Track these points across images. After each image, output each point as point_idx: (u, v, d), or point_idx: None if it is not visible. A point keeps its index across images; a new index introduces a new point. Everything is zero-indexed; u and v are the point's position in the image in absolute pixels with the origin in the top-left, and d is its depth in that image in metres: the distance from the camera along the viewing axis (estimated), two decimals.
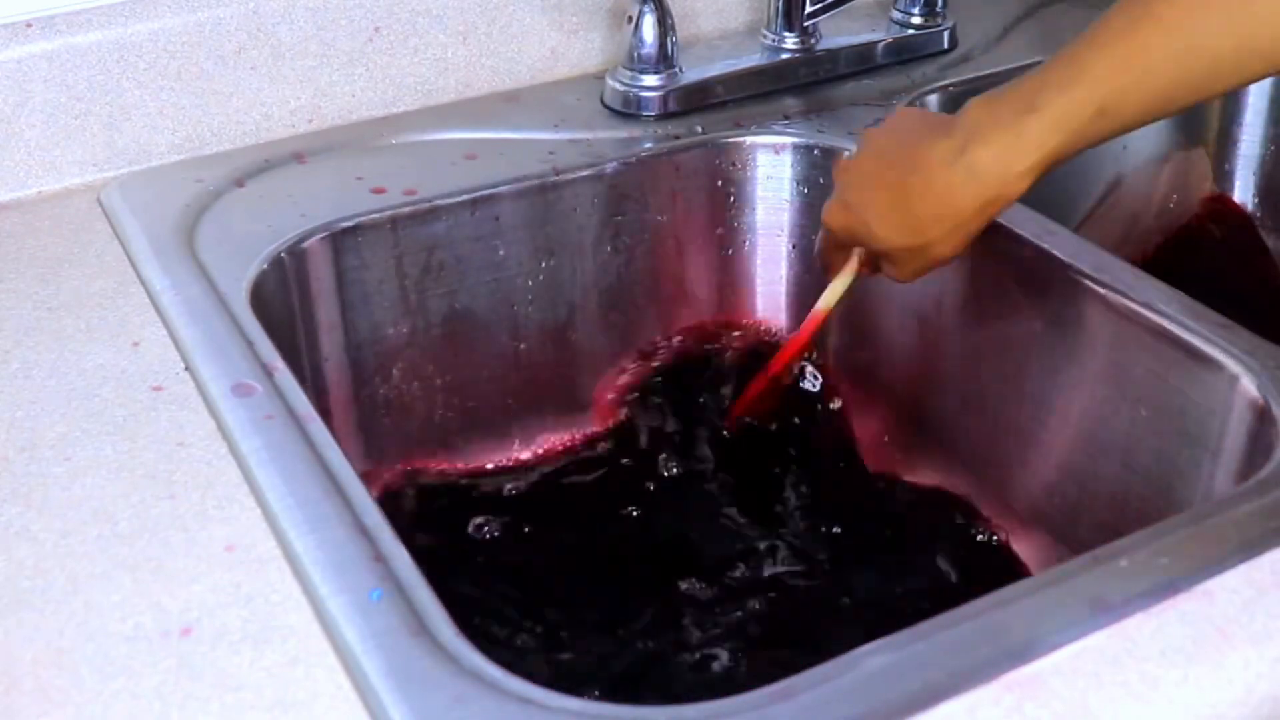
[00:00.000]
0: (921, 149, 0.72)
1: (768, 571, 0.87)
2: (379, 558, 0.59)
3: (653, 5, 0.97)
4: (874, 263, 0.80)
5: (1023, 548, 0.88)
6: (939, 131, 0.72)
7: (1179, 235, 1.17)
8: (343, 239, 0.86)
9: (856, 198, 0.77)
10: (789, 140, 0.97)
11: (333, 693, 0.54)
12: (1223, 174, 1.20)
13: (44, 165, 0.90)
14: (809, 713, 0.52)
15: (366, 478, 0.66)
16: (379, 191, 0.88)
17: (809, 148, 0.96)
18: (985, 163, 0.69)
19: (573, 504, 0.93)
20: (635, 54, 0.98)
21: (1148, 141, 1.15)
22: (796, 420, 1.00)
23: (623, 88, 0.98)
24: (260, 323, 0.75)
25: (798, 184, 0.98)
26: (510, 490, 0.94)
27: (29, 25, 0.88)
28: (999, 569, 0.87)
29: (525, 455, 0.97)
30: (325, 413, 0.81)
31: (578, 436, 0.98)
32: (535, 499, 0.93)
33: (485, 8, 1.00)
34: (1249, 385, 0.72)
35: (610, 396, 0.98)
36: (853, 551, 0.89)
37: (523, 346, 0.95)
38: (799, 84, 1.03)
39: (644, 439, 0.96)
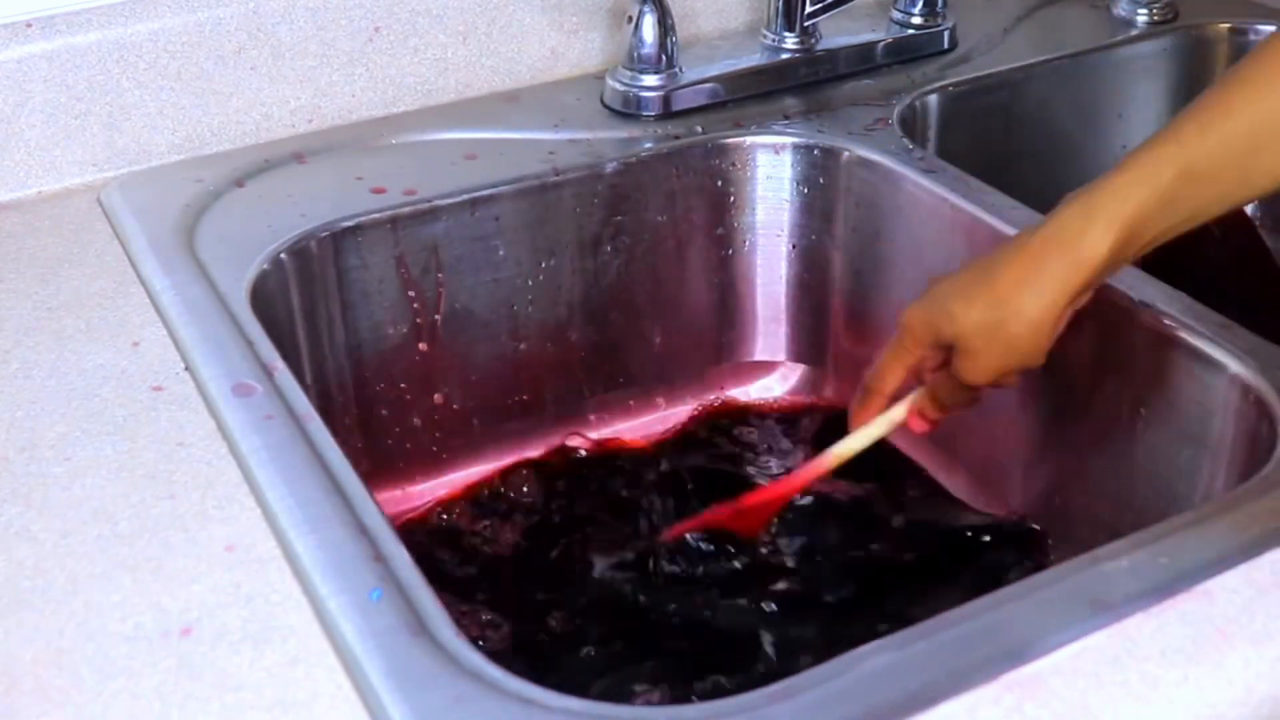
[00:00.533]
0: (1019, 234, 0.70)
1: (766, 571, 0.87)
2: (379, 558, 0.59)
3: (653, 5, 0.97)
4: (937, 387, 0.75)
5: (1023, 547, 0.88)
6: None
7: (1179, 235, 1.17)
8: (343, 239, 0.86)
9: (939, 287, 0.73)
10: (789, 140, 0.97)
11: (333, 693, 0.54)
12: None
13: (44, 165, 0.90)
14: (809, 713, 0.52)
15: (366, 478, 0.66)
16: (379, 191, 0.88)
17: (809, 148, 0.96)
18: (1068, 221, 0.67)
19: (572, 505, 0.93)
20: (635, 54, 0.98)
21: None
22: (795, 419, 1.00)
23: (623, 88, 0.98)
24: (260, 323, 0.75)
25: (798, 184, 0.98)
26: (510, 490, 0.94)
27: (29, 25, 0.88)
28: (998, 569, 0.87)
29: (525, 455, 0.97)
30: (325, 413, 0.81)
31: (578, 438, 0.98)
32: (535, 499, 0.93)
33: (485, 8, 1.00)
34: (1249, 385, 0.72)
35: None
36: (851, 552, 0.89)
37: (523, 346, 0.95)
38: (799, 84, 1.03)
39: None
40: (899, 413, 0.77)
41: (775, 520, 0.84)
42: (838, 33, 1.05)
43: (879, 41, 1.06)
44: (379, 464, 0.92)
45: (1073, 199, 0.67)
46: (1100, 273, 0.67)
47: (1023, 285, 0.68)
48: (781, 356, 1.04)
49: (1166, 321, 0.76)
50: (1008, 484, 0.90)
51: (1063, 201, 0.68)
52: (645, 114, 0.98)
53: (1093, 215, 0.66)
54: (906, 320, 0.74)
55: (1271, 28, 1.14)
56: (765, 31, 1.04)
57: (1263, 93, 0.63)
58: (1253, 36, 1.15)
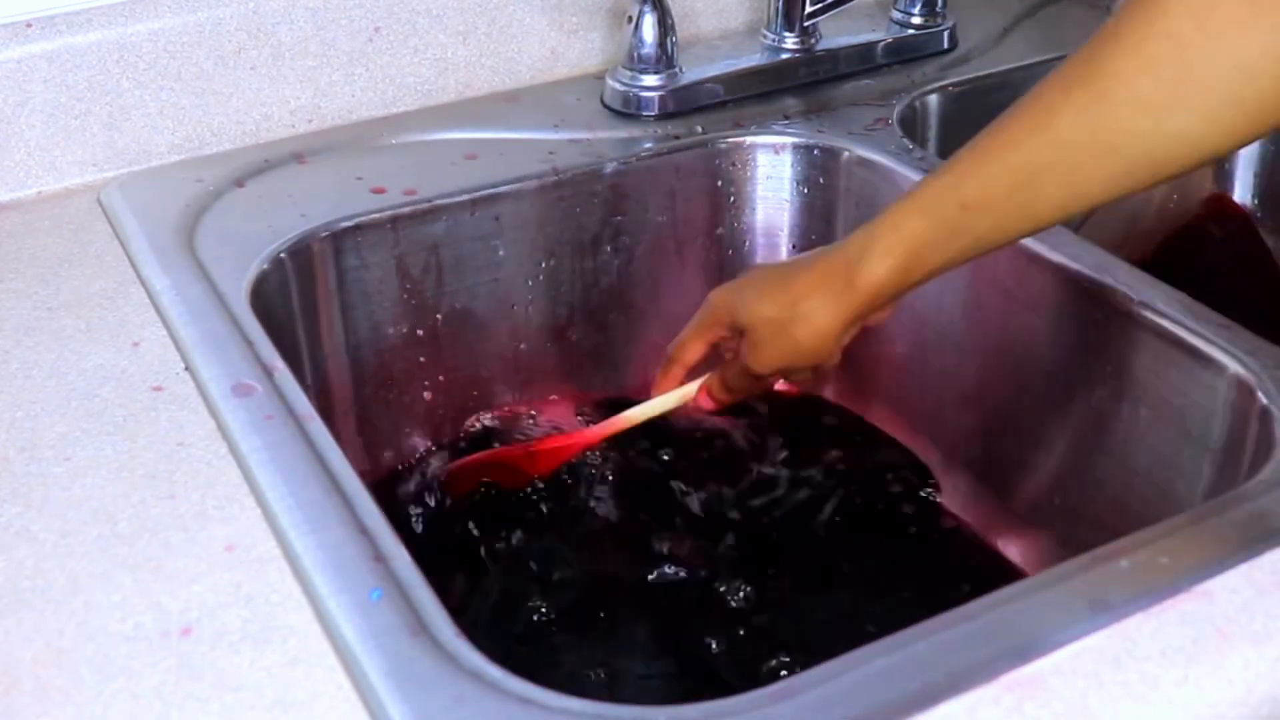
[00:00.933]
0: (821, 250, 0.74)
1: (767, 572, 0.87)
2: (379, 558, 0.59)
3: (653, 5, 0.97)
4: (727, 371, 0.79)
5: (1023, 548, 0.88)
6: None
7: (1179, 235, 1.17)
8: (343, 239, 0.86)
9: (748, 276, 0.78)
10: (789, 140, 0.97)
11: (333, 693, 0.54)
12: (1223, 174, 1.20)
13: (44, 165, 0.90)
14: (809, 713, 0.52)
15: (366, 477, 0.66)
16: (379, 191, 0.89)
17: (809, 148, 0.97)
18: (853, 244, 0.70)
19: (572, 505, 0.93)
20: (635, 54, 0.98)
21: None
22: (794, 421, 1.00)
23: (623, 88, 0.98)
24: (260, 323, 0.75)
25: (798, 184, 0.98)
26: (511, 490, 0.94)
27: (29, 25, 0.88)
28: (999, 569, 0.87)
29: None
30: (325, 413, 0.81)
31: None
32: (536, 499, 0.93)
33: (485, 8, 1.00)
34: (1249, 385, 0.72)
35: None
36: (851, 552, 0.89)
37: (523, 346, 0.95)
38: (799, 84, 1.03)
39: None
40: (691, 389, 0.81)
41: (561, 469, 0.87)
42: (838, 33, 1.05)
43: (879, 41, 1.06)
44: (379, 464, 0.92)
45: (861, 228, 0.70)
46: (880, 296, 0.70)
47: (809, 296, 0.72)
48: None
49: (1166, 322, 0.76)
50: (1007, 484, 0.90)
51: (856, 228, 0.71)
52: (645, 114, 0.98)
53: (873, 242, 0.69)
54: (710, 299, 0.78)
55: None
56: (765, 31, 1.04)
57: (1038, 126, 0.63)
58: None
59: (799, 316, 0.72)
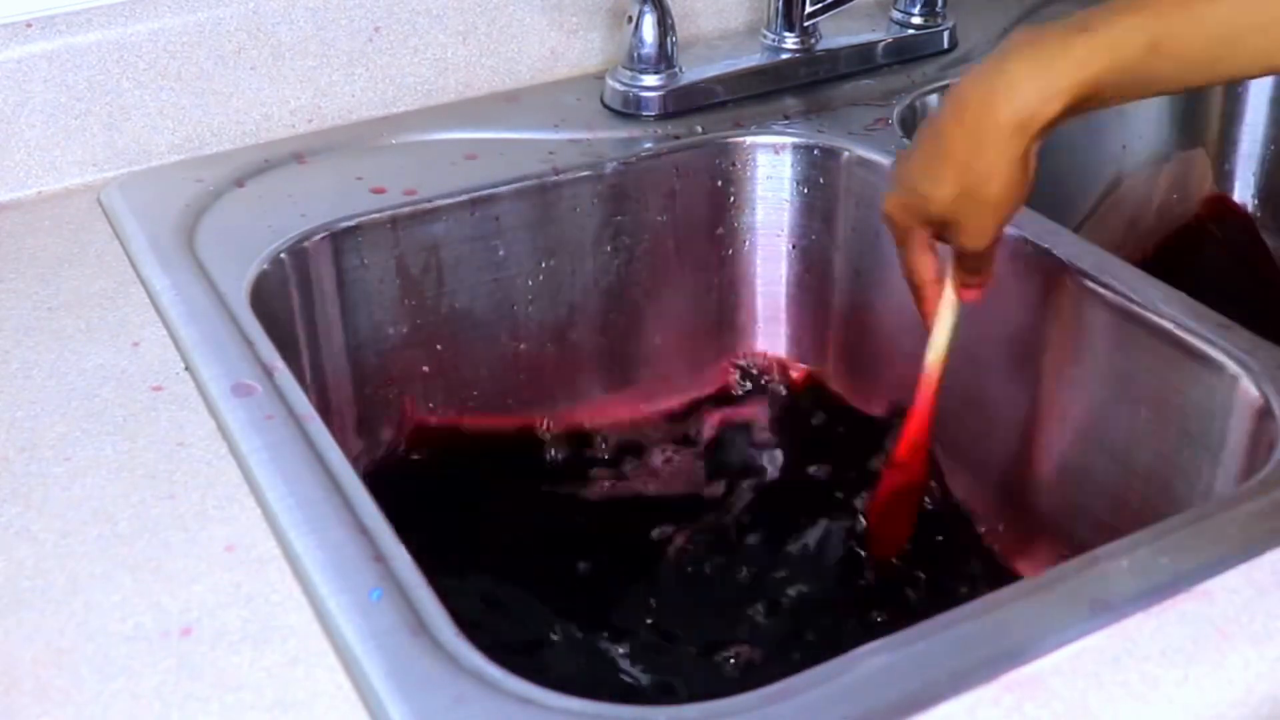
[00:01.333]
0: (956, 89, 0.67)
1: (767, 572, 0.87)
2: (379, 558, 0.59)
3: (653, 5, 0.97)
4: (958, 258, 0.73)
5: (1023, 548, 0.88)
6: (976, 68, 0.67)
7: (1179, 235, 1.17)
8: (343, 239, 0.86)
9: (903, 171, 0.71)
10: (789, 140, 0.97)
11: (333, 693, 0.54)
12: (1223, 174, 1.20)
13: (44, 165, 0.90)
14: (809, 713, 0.52)
15: (366, 478, 0.66)
16: (379, 191, 0.88)
17: (809, 148, 0.96)
18: (1021, 75, 0.64)
19: (570, 504, 0.93)
20: (635, 54, 0.98)
21: (1147, 141, 1.15)
22: (793, 421, 1.00)
23: (623, 88, 0.98)
24: (260, 323, 0.75)
25: (798, 184, 0.98)
26: (511, 490, 0.94)
27: (29, 25, 0.88)
28: (999, 569, 0.87)
29: (524, 457, 0.97)
30: (325, 413, 0.81)
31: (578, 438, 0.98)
32: (535, 499, 0.93)
33: (485, 8, 1.00)
34: (1249, 385, 0.72)
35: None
36: (850, 551, 0.89)
37: (523, 346, 0.95)
38: (799, 84, 1.03)
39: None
40: (950, 295, 0.76)
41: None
42: (838, 33, 1.05)
43: (879, 41, 1.06)
44: (379, 464, 0.92)
45: (1024, 48, 0.64)
46: (1053, 129, 0.65)
47: (980, 145, 0.65)
48: (781, 356, 1.04)
49: (1166, 322, 0.76)
50: (1008, 484, 0.90)
51: (1010, 45, 0.65)
52: (645, 114, 0.98)
53: (1050, 78, 0.63)
54: (888, 212, 0.73)
55: None
56: (765, 31, 1.04)
57: None
58: None
59: (982, 177, 0.66)
